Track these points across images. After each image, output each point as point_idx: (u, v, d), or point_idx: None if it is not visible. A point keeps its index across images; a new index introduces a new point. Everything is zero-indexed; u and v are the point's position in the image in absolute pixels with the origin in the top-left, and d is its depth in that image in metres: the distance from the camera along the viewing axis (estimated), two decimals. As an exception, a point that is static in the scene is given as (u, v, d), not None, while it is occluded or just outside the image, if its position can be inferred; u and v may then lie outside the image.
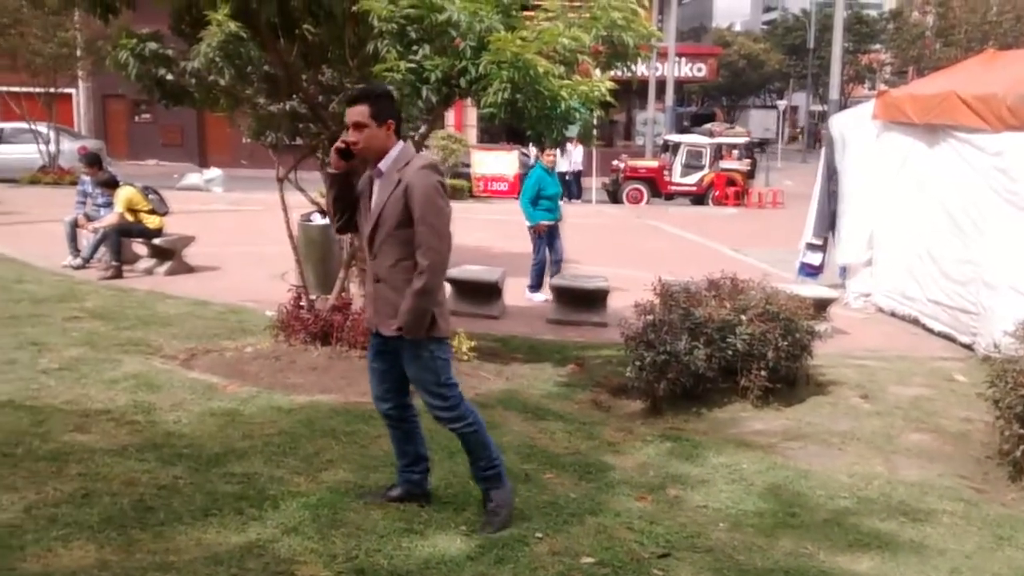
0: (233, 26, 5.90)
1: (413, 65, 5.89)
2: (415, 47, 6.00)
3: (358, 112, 3.77)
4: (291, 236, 7.38)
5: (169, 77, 6.75)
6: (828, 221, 10.64)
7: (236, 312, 8.48)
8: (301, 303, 6.98)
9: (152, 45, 6.67)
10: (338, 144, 3.79)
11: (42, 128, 22.52)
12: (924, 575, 3.85)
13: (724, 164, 24.63)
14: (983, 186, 8.06)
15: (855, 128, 10.33)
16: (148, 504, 4.02)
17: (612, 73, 6.82)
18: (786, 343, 6.25)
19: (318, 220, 9.25)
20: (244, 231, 14.52)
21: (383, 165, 3.84)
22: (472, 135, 28.61)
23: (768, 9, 74.74)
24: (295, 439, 4.99)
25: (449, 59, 5.93)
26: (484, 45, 5.91)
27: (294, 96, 7.10)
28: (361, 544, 3.78)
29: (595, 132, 6.97)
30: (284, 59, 6.75)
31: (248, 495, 4.19)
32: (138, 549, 3.61)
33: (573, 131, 6.66)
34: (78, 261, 10.64)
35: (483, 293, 9.11)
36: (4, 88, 22.99)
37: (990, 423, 5.33)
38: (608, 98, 6.20)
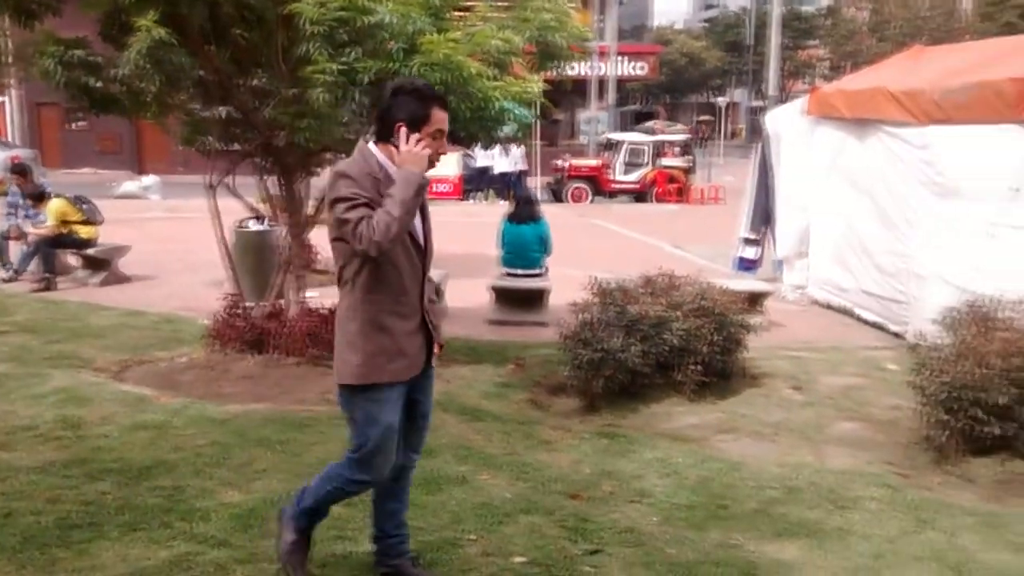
0: (162, 32, 5.80)
1: (344, 67, 5.86)
2: (346, 49, 5.97)
3: (445, 118, 3.27)
4: (224, 243, 7.28)
5: (97, 84, 6.63)
6: (764, 216, 10.80)
7: (171, 322, 8.36)
8: (235, 311, 6.90)
9: (78, 52, 6.53)
10: (432, 156, 3.19)
11: (-28, 138, 21.97)
12: (848, 560, 3.93)
13: (665, 161, 24.89)
14: (911, 179, 8.24)
15: (789, 124, 10.50)
16: (72, 521, 3.94)
17: (542, 74, 6.87)
18: (720, 337, 6.34)
19: (253, 226, 9.15)
20: (181, 238, 14.29)
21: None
22: (415, 137, 28.45)
23: (708, 7, 75.54)
24: (227, 449, 4.93)
25: (380, 61, 5.92)
26: (415, 47, 5.91)
27: (227, 101, 7.02)
28: (292, 553, 3.74)
29: (529, 131, 7.01)
30: (215, 64, 6.67)
31: (176, 508, 4.13)
32: (60, 568, 3.54)
33: (507, 130, 6.70)
34: (9, 273, 10.40)
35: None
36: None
37: (917, 410, 5.44)
38: (540, 99, 6.23)
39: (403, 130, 3.15)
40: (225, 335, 6.74)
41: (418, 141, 3.14)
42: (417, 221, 3.28)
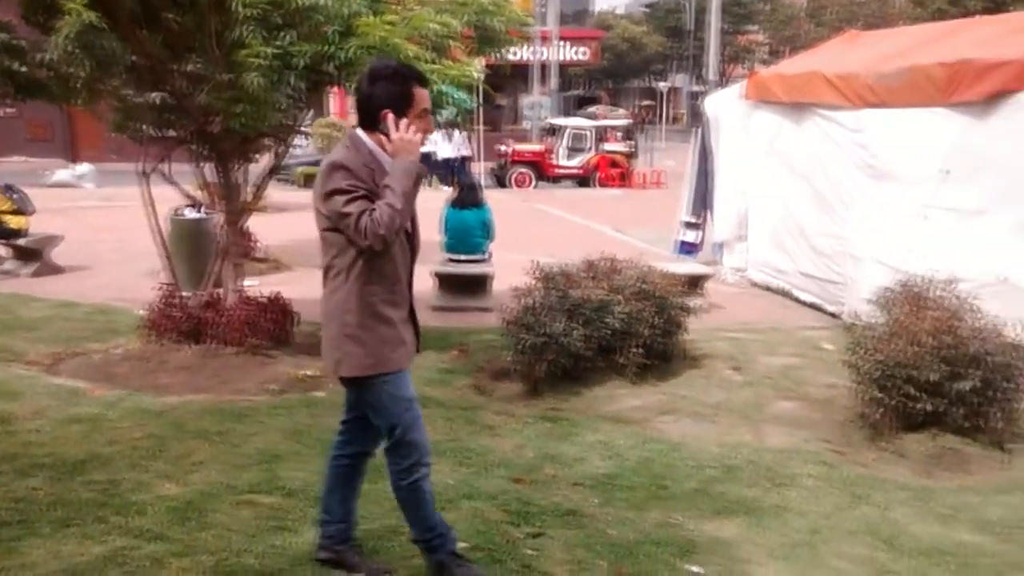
0: (92, 16, 5.63)
1: (278, 51, 5.76)
2: (280, 32, 5.87)
3: (427, 95, 3.22)
4: (159, 231, 7.13)
5: (22, 69, 6.43)
6: (704, 200, 10.91)
7: (105, 312, 8.17)
8: (172, 300, 6.77)
9: (1, 35, 6.34)
10: (422, 137, 3.13)
11: None
12: (785, 537, 4.00)
13: (607, 146, 25.02)
14: (846, 162, 8.38)
15: (727, 108, 10.61)
16: (1, 519, 3.83)
17: (484, 59, 6.84)
18: (660, 320, 6.40)
19: (190, 214, 8.98)
20: (116, 227, 13.95)
21: None
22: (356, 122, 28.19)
23: (649, -9, 75.94)
24: (163, 442, 4.84)
25: (315, 44, 5.83)
26: (351, 30, 5.83)
27: (160, 87, 6.85)
28: (231, 545, 3.69)
29: (472, 116, 6.99)
30: (147, 49, 6.50)
31: (111, 502, 4.04)
32: (-11, 566, 3.45)
33: (447, 115, 6.66)
34: (-65, 266, 10.08)
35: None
36: None
37: (852, 388, 5.55)
38: (478, 83, 6.20)
39: (390, 117, 3.06)
40: (161, 325, 6.61)
41: (408, 126, 3.07)
42: None
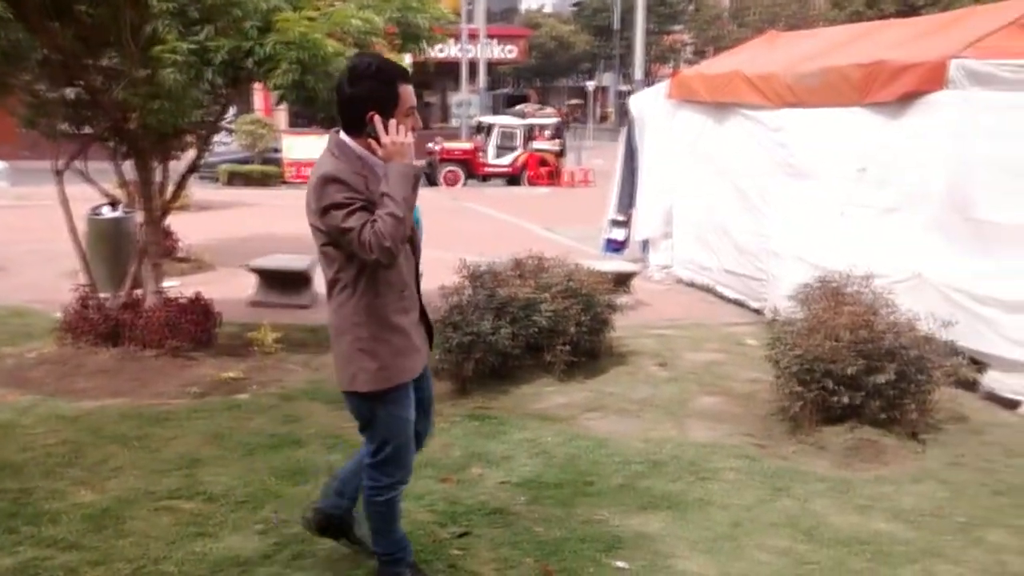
0: (-2, 7, 5.43)
1: (195, 47, 5.64)
2: (197, 28, 5.75)
3: (412, 92, 3.08)
4: (74, 231, 6.92)
5: (-79, 63, 6.16)
6: (631, 198, 11.01)
7: (20, 315, 7.91)
8: (89, 302, 6.58)
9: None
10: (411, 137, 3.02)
11: None
12: (708, 530, 4.06)
13: (536, 144, 25.11)
14: (767, 160, 8.54)
15: (652, 107, 10.72)
16: (-96, 531, 3.69)
17: (412, 56, 6.79)
18: (587, 318, 6.43)
19: (108, 213, 8.74)
20: (32, 227, 13.49)
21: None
22: (283, 119, 27.82)
23: (577, -9, 76.39)
24: (79, 448, 4.70)
25: (234, 40, 5.72)
26: (270, 25, 5.74)
27: (74, 82, 6.65)
28: (149, 552, 3.61)
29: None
30: (59, 43, 6.30)
31: (23, 512, 3.92)
32: None
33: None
34: None
35: (292, 282, 8.89)
36: None
37: (773, 383, 5.66)
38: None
39: (378, 119, 2.93)
40: (78, 328, 6.42)
41: (397, 127, 2.94)
42: None
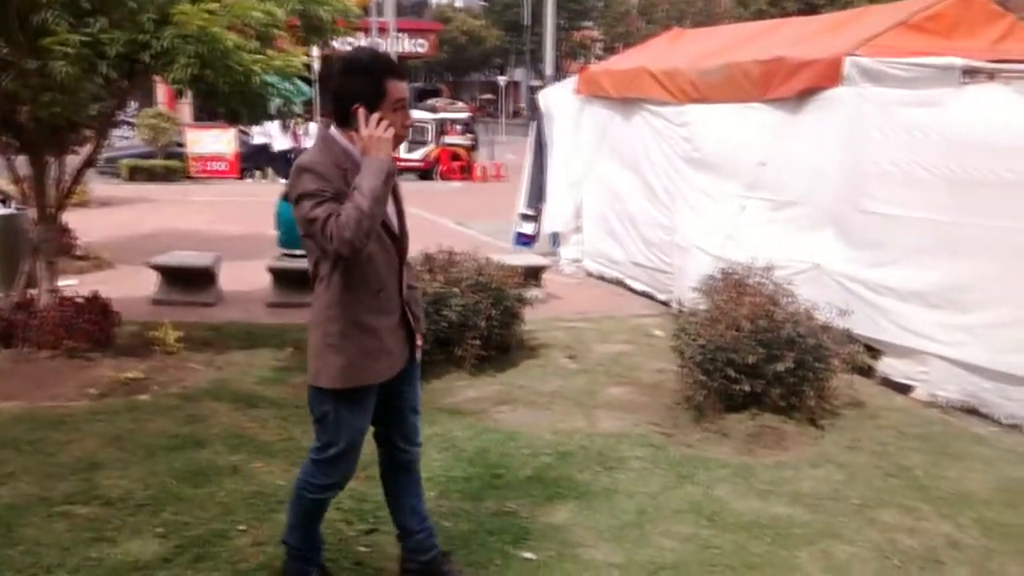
0: None
1: (88, 39, 5.45)
2: (90, 19, 5.56)
3: (403, 87, 3.04)
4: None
5: None
6: (541, 192, 11.08)
7: (-97, 318, 7.51)
8: (-22, 303, 6.31)
9: None
10: (397, 132, 2.94)
11: None
12: (614, 518, 4.12)
13: (448, 139, 25.06)
14: (672, 154, 8.70)
15: (561, 102, 10.79)
16: None
17: (323, 50, 6.70)
18: (497, 312, 6.45)
19: (-1, 210, 8.40)
20: (-82, 226, 12.90)
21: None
22: (187, 112, 27.14)
23: (487, -14, 76.38)
24: (-33, 454, 4.51)
25: (129, 32, 5.55)
26: (167, 18, 5.59)
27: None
28: (41, 560, 3.49)
29: (310, 108, 6.84)
30: (-60, 33, 6.02)
31: (-96, 523, 3.74)
32: None
33: (274, 106, 6.50)
34: None
35: (196, 279, 8.69)
36: None
37: (679, 372, 5.77)
38: (304, 72, 6.07)
39: (361, 112, 2.88)
40: (-33, 330, 6.15)
41: (379, 121, 2.89)
42: (390, 207, 3.06)
